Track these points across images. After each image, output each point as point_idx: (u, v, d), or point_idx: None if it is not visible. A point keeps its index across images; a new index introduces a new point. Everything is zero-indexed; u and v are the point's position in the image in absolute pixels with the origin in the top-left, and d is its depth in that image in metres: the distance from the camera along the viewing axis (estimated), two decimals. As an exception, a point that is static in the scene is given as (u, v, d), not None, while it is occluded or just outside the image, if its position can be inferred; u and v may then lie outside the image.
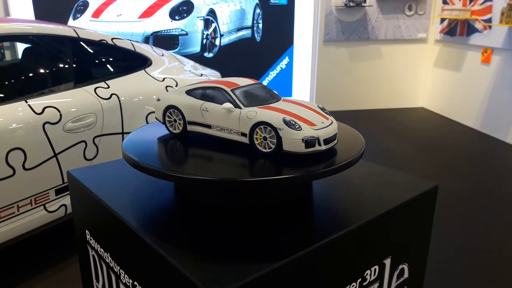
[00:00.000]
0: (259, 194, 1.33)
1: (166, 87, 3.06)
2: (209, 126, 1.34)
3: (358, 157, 1.27)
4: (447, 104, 6.30)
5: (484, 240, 3.00)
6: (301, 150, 1.21)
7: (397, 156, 4.66)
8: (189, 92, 1.40)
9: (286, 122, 1.21)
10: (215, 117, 1.32)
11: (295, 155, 1.22)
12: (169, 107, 1.41)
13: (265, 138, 1.24)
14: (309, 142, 1.21)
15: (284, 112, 1.25)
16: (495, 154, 4.77)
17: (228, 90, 1.33)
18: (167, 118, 1.43)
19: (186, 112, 1.37)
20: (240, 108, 1.28)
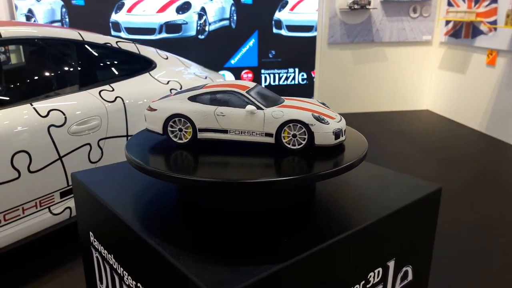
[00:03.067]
0: (261, 195, 1.33)
1: (171, 90, 3.07)
2: (225, 131, 1.29)
3: (360, 159, 1.27)
4: (452, 107, 6.28)
5: (488, 243, 2.98)
6: (331, 143, 1.26)
7: (401, 159, 4.65)
8: (193, 99, 1.33)
9: (316, 118, 1.25)
10: (234, 121, 1.28)
11: (300, 155, 1.24)
12: (172, 116, 1.32)
13: (294, 136, 1.26)
14: (337, 134, 1.27)
15: (305, 109, 1.28)
16: (500, 157, 4.74)
17: (244, 92, 1.30)
18: (170, 128, 1.34)
19: (196, 119, 1.30)
20: (262, 109, 1.27)
